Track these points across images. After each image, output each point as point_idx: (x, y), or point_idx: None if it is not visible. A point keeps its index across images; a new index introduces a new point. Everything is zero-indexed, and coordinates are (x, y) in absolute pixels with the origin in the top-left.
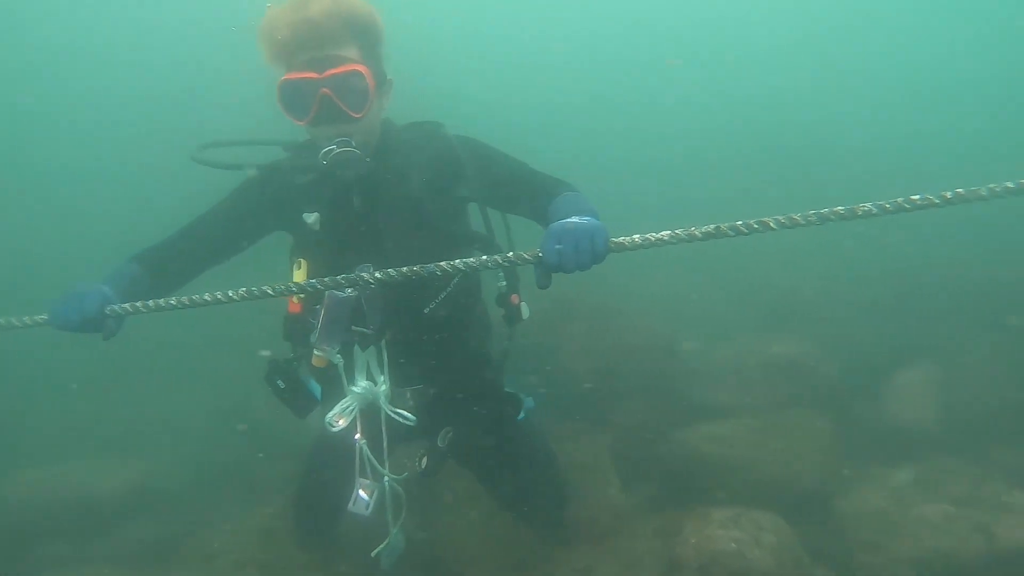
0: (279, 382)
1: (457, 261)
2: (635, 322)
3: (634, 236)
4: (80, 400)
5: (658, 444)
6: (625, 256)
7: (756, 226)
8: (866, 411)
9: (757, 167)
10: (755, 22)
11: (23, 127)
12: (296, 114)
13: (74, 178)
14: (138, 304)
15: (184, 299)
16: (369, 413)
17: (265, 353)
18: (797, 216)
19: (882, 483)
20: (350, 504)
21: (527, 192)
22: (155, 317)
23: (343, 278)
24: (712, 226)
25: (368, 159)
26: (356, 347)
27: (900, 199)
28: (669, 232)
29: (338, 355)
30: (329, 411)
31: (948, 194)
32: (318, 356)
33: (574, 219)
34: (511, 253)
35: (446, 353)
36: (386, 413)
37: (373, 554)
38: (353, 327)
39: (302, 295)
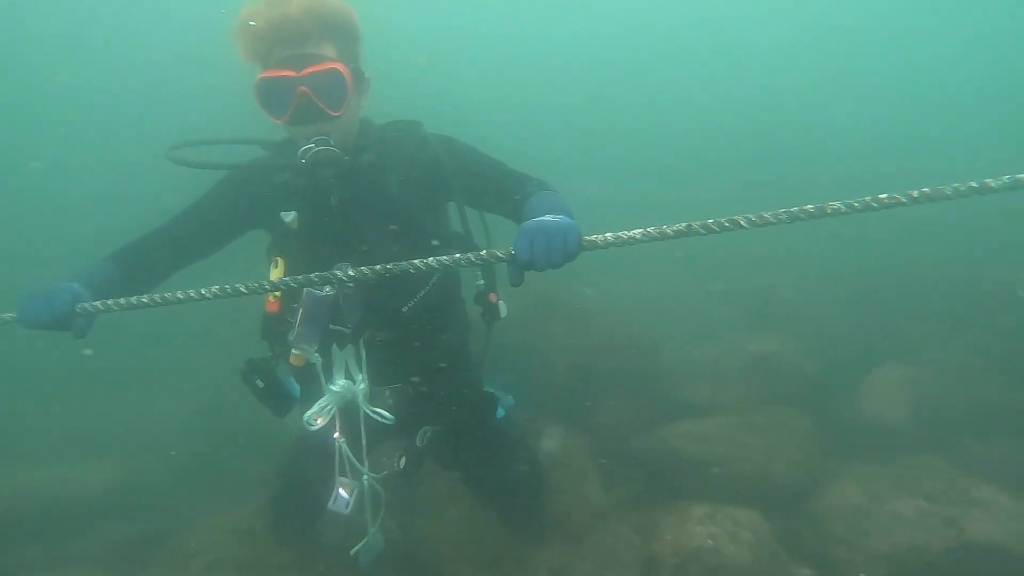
0: (258, 382)
1: (430, 259)
2: (616, 320)
3: (606, 235)
4: (55, 401)
5: (638, 442)
6: (607, 256)
7: (727, 224)
8: (843, 408)
9: (757, 167)
10: (755, 22)
11: None
12: (274, 112)
13: (46, 176)
14: (109, 302)
15: (156, 297)
16: (348, 412)
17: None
18: (768, 215)
19: (858, 479)
20: (330, 503)
21: (504, 191)
22: (131, 316)
23: (316, 276)
24: (684, 224)
25: (347, 157)
26: (334, 346)
27: (868, 198)
28: (641, 231)
29: (316, 354)
30: (308, 410)
31: (915, 193)
32: (296, 355)
33: (547, 217)
34: (484, 251)
35: (425, 352)
36: (365, 412)
37: (352, 552)
38: (331, 326)
39: (278, 293)
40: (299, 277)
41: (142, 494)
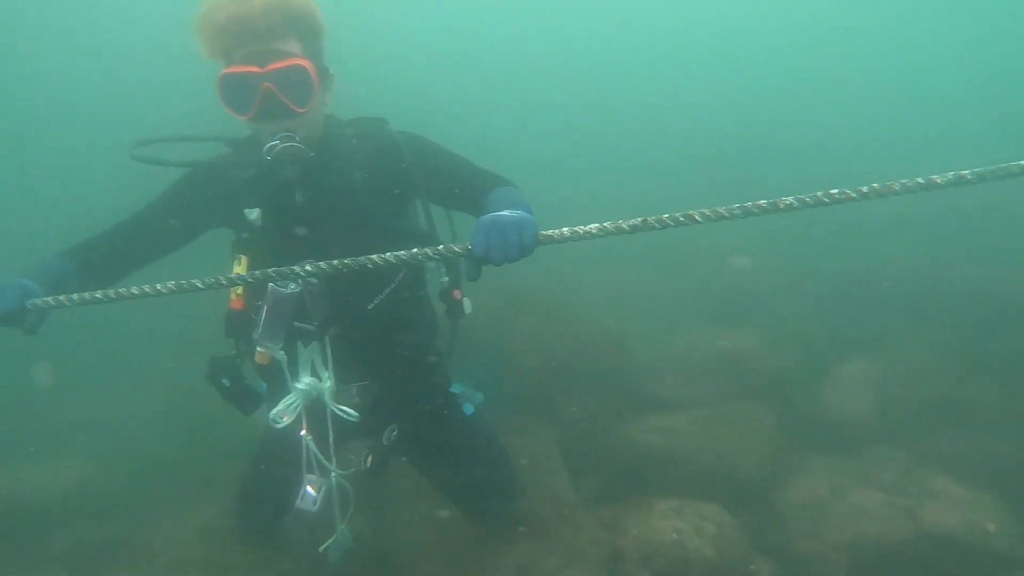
0: (224, 380)
1: (387, 253)
2: (584, 316)
3: (563, 229)
4: (18, 400)
5: (606, 437)
6: (574, 252)
7: (683, 219)
8: (808, 402)
9: (757, 167)
10: (755, 21)
11: None
12: (238, 109)
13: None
14: (62, 298)
15: (111, 292)
16: (314, 410)
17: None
18: (722, 210)
19: (821, 472)
20: (297, 500)
21: (466, 187)
22: (95, 313)
23: (273, 271)
24: (639, 219)
25: (312, 154)
26: (300, 343)
27: (820, 193)
28: (597, 225)
29: (281, 351)
30: (274, 408)
31: (864, 188)
32: (261, 353)
33: (504, 212)
34: (441, 246)
35: (391, 349)
36: (331, 410)
37: (321, 549)
38: (296, 323)
39: (240, 291)
40: (256, 272)
41: (105, 495)
